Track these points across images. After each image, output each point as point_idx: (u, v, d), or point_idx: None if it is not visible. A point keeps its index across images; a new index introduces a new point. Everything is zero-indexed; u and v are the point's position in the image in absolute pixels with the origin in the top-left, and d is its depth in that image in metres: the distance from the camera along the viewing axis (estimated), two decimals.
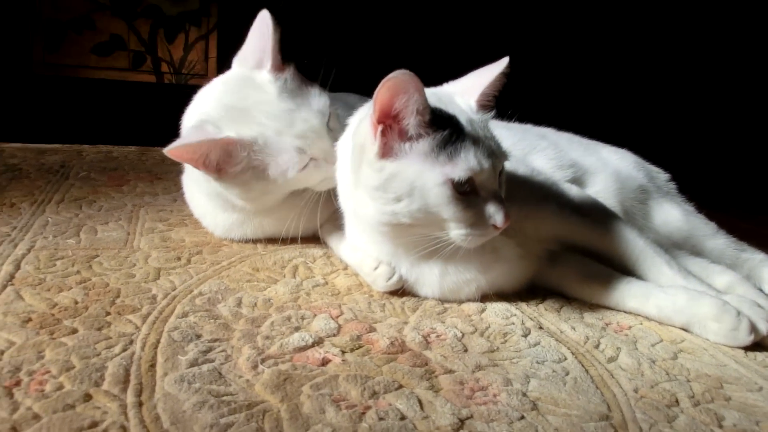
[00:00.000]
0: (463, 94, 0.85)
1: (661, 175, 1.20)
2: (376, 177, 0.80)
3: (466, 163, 0.77)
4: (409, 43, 2.44)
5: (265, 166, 0.98)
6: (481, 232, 0.80)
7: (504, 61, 0.84)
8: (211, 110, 1.00)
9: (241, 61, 1.05)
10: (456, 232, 0.80)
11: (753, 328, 0.81)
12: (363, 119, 0.83)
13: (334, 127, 1.00)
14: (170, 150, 0.93)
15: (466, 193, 0.78)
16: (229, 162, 0.97)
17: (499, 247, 0.90)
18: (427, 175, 0.77)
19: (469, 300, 0.92)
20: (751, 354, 0.81)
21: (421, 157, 0.77)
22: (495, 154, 0.80)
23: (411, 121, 0.76)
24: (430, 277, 0.90)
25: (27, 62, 2.25)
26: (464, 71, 0.90)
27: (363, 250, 0.95)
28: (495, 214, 0.79)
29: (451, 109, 0.80)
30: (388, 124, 0.78)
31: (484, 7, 2.56)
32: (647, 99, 2.58)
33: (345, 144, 0.90)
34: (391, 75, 0.73)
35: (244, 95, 1.00)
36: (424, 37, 2.50)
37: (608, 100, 2.56)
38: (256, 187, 1.00)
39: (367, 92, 0.85)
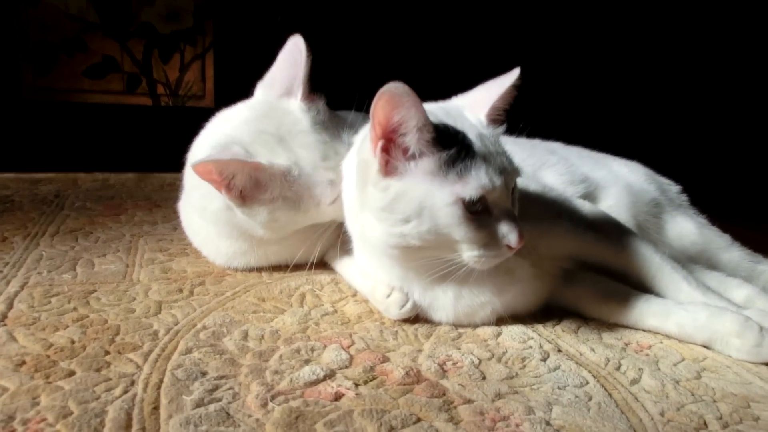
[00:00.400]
0: (473, 108, 0.83)
1: (673, 187, 1.18)
2: (381, 197, 0.77)
3: (477, 181, 0.74)
4: (415, 55, 2.42)
5: (299, 198, 0.95)
6: (494, 252, 0.77)
7: (515, 73, 0.82)
8: (238, 133, 0.97)
9: (266, 87, 1.03)
10: (468, 254, 0.77)
11: None
12: (366, 136, 0.81)
13: None
14: (197, 164, 0.89)
15: (478, 212, 0.75)
16: (257, 189, 0.94)
17: (514, 268, 0.88)
18: (436, 194, 0.74)
19: (483, 324, 0.89)
20: None
21: (428, 175, 0.75)
22: (507, 170, 0.78)
23: (412, 139, 0.74)
24: (444, 301, 0.87)
25: (17, 87, 2.19)
26: (473, 83, 0.88)
27: (374, 276, 0.91)
28: (509, 233, 0.76)
29: (459, 124, 0.78)
30: (390, 139, 0.75)
31: (493, 22, 2.56)
32: (649, 109, 2.59)
33: (350, 163, 0.88)
34: (384, 88, 0.70)
35: (276, 123, 0.97)
36: (431, 49, 2.48)
37: (610, 111, 2.56)
38: (284, 217, 0.97)
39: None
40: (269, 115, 0.98)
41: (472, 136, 0.77)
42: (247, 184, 0.93)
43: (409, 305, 0.87)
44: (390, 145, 0.75)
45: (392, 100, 0.71)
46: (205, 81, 2.42)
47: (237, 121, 0.99)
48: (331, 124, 0.99)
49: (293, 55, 0.99)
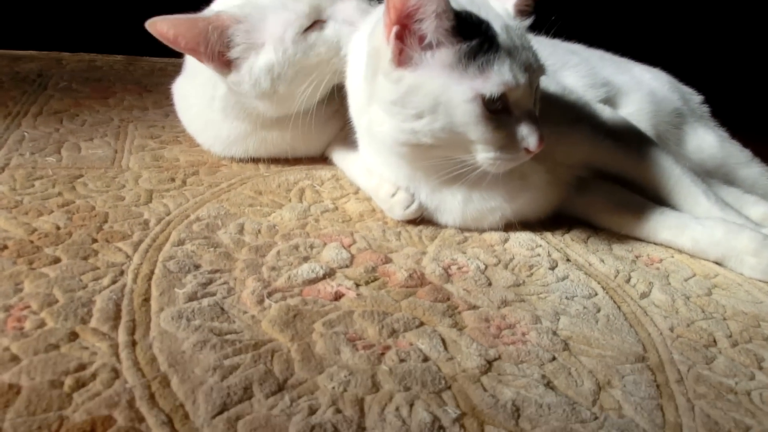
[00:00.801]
0: None
1: (695, 97, 1.12)
2: (393, 89, 0.70)
3: (499, 77, 0.66)
4: None
5: (263, 40, 0.87)
6: (511, 156, 0.71)
7: None
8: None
9: None
10: (483, 155, 0.71)
11: None
12: (379, 20, 0.71)
13: None
14: (153, 22, 0.82)
15: (498, 111, 0.69)
16: (230, 48, 0.87)
17: (528, 174, 0.82)
18: (453, 89, 0.67)
19: (491, 229, 0.85)
20: None
21: (446, 68, 0.67)
22: (532, 67, 0.70)
23: (429, 26, 0.66)
24: (452, 205, 0.82)
25: None
26: None
27: (379, 173, 0.86)
28: (528, 136, 0.70)
29: (484, 13, 0.69)
30: (405, 26, 0.67)
31: None
32: (672, 13, 2.38)
33: (358, 49, 0.79)
34: None
35: None
36: None
37: (633, 13, 2.36)
38: (263, 74, 0.88)
39: None
40: None
41: (497, 27, 0.68)
42: (222, 43, 0.86)
43: (414, 206, 0.83)
44: (405, 33, 0.67)
45: None
46: None
47: None
48: None
49: None
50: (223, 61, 0.88)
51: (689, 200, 0.86)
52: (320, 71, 0.88)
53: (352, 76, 0.80)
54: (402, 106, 0.70)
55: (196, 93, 1.02)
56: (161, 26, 0.83)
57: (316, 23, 0.87)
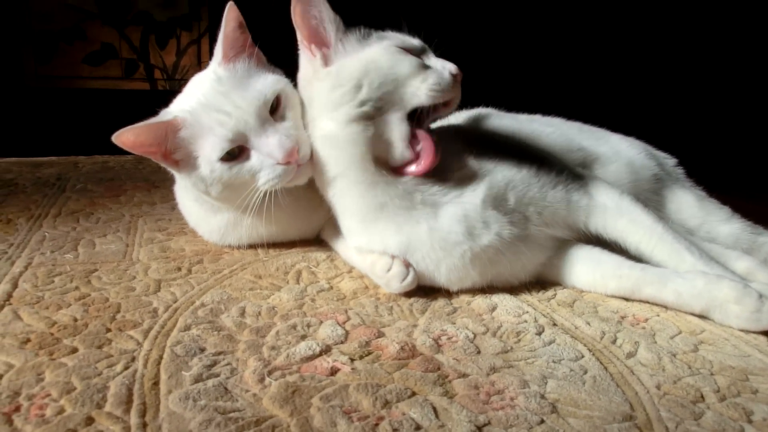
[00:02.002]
0: None
1: (669, 161, 1.16)
2: (328, 82, 0.86)
3: (395, 38, 0.89)
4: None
5: (198, 153, 0.91)
6: (444, 81, 0.84)
7: None
8: (174, 106, 0.98)
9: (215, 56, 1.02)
10: (422, 85, 0.83)
11: None
12: (301, 65, 0.93)
13: (289, 121, 0.92)
14: (117, 135, 0.87)
15: (408, 51, 0.87)
16: (177, 147, 0.92)
17: (498, 247, 0.88)
18: (371, 50, 0.86)
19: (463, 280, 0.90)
20: None
21: (356, 46, 0.87)
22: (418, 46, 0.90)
23: (330, 28, 0.87)
24: (421, 238, 0.88)
25: (19, 75, 2.22)
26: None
27: (369, 251, 0.92)
28: (445, 63, 0.87)
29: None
30: (315, 42, 0.87)
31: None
32: (641, 79, 2.53)
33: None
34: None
35: (193, 84, 0.97)
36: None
37: (601, 83, 2.51)
38: (198, 180, 0.94)
39: None
40: (195, 83, 0.98)
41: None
42: (172, 147, 0.92)
43: (410, 278, 0.87)
44: (321, 45, 0.88)
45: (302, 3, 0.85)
46: (200, 65, 2.44)
47: (180, 95, 1.00)
48: (246, 78, 0.93)
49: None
50: (173, 159, 0.94)
51: (673, 257, 0.86)
52: (251, 188, 0.92)
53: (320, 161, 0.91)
54: (340, 86, 0.84)
55: (186, 190, 1.08)
56: (126, 137, 0.88)
57: (243, 149, 0.90)
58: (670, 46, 2.52)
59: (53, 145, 1.98)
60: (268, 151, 0.89)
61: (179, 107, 0.94)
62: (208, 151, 0.90)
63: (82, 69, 2.31)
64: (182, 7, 2.40)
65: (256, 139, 0.90)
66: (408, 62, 0.84)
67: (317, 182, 0.94)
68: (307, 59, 0.90)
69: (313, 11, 0.86)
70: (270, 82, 0.94)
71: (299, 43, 0.90)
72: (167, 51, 2.42)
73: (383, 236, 0.89)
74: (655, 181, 1.07)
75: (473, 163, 0.90)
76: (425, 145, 0.85)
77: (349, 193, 0.89)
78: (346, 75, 0.85)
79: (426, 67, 0.85)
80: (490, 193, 0.87)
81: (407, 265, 0.88)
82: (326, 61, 0.88)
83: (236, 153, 0.90)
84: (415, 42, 0.90)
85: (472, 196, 0.87)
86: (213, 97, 0.91)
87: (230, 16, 0.95)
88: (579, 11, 2.54)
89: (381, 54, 0.85)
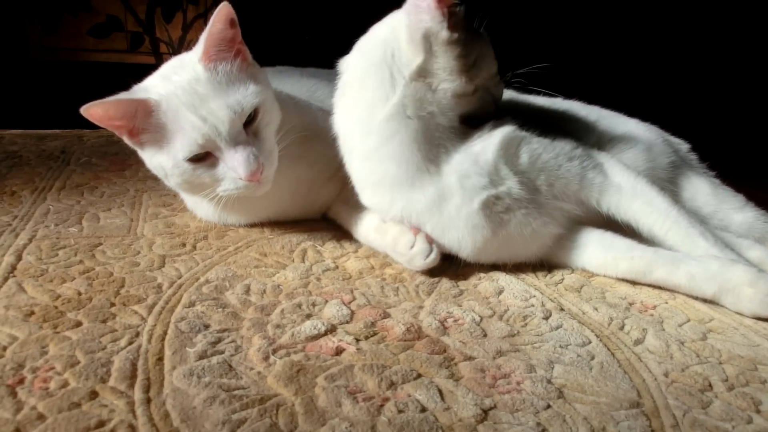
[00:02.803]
0: None
1: (683, 146, 1.15)
2: (457, 48, 0.83)
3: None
4: None
5: (165, 142, 0.89)
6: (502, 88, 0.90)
7: None
8: (146, 82, 0.95)
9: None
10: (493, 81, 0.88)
11: None
12: (394, 27, 0.87)
13: (262, 136, 0.92)
14: (87, 107, 0.85)
15: None
16: (144, 129, 0.90)
17: (508, 221, 0.88)
18: (480, 42, 0.87)
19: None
20: None
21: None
22: None
23: None
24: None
25: (23, 46, 2.20)
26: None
27: (392, 225, 0.92)
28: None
29: None
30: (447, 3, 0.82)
31: None
32: (651, 63, 2.49)
33: (347, 103, 0.91)
34: None
35: (174, 68, 0.94)
36: None
37: (611, 65, 2.47)
38: (157, 167, 0.93)
39: None
40: (175, 67, 0.94)
41: None
42: (140, 126, 0.90)
43: (434, 254, 0.87)
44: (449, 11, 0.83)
45: None
46: None
47: (156, 72, 0.98)
48: (227, 85, 0.90)
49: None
50: (138, 139, 0.92)
51: (687, 242, 0.85)
52: (210, 189, 0.92)
53: (345, 129, 0.90)
54: (466, 57, 0.83)
55: None
56: (95, 110, 0.87)
57: (209, 155, 0.90)
58: (683, 34, 2.46)
59: (58, 118, 1.97)
60: (233, 166, 0.89)
61: (155, 89, 0.91)
62: (176, 147, 0.89)
63: (86, 41, 2.27)
64: None
65: (225, 150, 0.89)
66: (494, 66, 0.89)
67: (380, 134, 0.88)
68: (428, 17, 0.83)
69: None
70: (250, 93, 0.90)
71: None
72: (173, 25, 2.38)
73: (413, 193, 0.87)
74: (671, 168, 1.06)
75: (496, 122, 0.89)
76: None
77: (408, 149, 0.86)
78: (472, 51, 0.84)
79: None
80: (504, 139, 0.86)
81: (430, 241, 0.88)
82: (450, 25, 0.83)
83: (202, 156, 0.90)
84: None
85: (489, 138, 0.86)
86: (190, 95, 0.88)
87: (220, 15, 0.90)
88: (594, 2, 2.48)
89: (489, 51, 0.89)
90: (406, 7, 0.86)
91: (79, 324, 0.69)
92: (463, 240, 0.88)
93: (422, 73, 0.85)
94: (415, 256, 0.87)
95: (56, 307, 0.73)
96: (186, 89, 0.89)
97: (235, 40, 0.94)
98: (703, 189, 1.05)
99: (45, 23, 2.21)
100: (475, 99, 0.88)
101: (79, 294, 0.77)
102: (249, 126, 0.91)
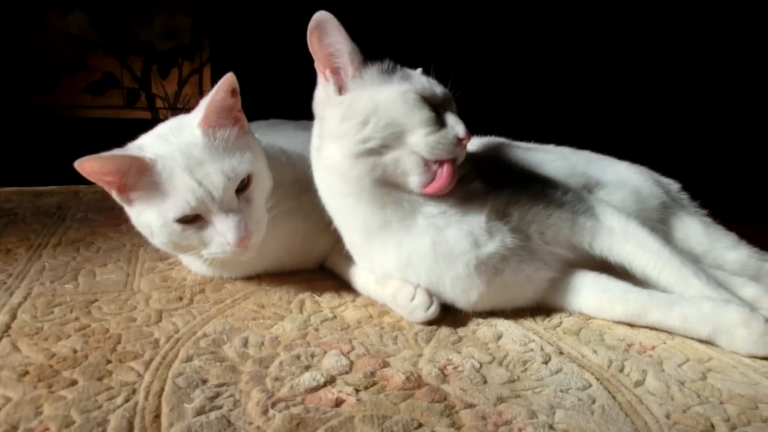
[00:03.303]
0: None
1: (674, 186, 1.16)
2: (339, 111, 0.85)
3: (419, 82, 0.86)
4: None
5: (155, 202, 0.90)
6: (446, 142, 0.82)
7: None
8: (142, 140, 0.97)
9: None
10: (424, 140, 0.82)
11: None
12: (318, 97, 0.92)
13: (253, 203, 0.94)
14: (81, 161, 0.86)
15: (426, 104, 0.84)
16: (135, 186, 0.91)
17: (503, 268, 0.88)
18: (388, 91, 0.84)
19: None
20: None
21: (376, 79, 0.86)
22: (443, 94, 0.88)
23: (347, 59, 0.86)
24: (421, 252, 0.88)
25: (21, 105, 2.24)
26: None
27: (390, 282, 0.93)
28: (456, 125, 0.83)
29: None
30: (330, 68, 0.87)
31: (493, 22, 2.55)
32: (643, 105, 2.57)
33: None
34: (311, 22, 0.84)
35: (172, 129, 0.96)
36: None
37: (602, 108, 2.55)
38: (143, 226, 0.94)
39: None
40: (175, 124, 0.97)
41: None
42: (131, 184, 0.91)
43: (434, 307, 0.88)
44: (335, 71, 0.88)
45: (320, 28, 0.84)
46: (202, 94, 2.44)
47: (152, 131, 0.99)
48: (222, 150, 0.92)
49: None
50: (127, 196, 0.93)
51: (680, 282, 0.86)
52: (196, 250, 0.93)
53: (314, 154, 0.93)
54: (349, 119, 0.84)
55: None
56: (90, 164, 0.87)
57: (199, 217, 0.91)
58: (671, 73, 2.56)
59: (54, 175, 1.99)
60: (222, 230, 0.90)
61: (150, 147, 0.92)
62: (167, 207, 0.90)
63: (83, 98, 2.33)
64: (184, 37, 2.43)
65: (216, 214, 0.90)
66: (420, 115, 0.82)
67: (323, 201, 0.94)
68: (322, 83, 0.90)
69: (329, 39, 0.85)
70: (245, 160, 0.92)
71: (315, 65, 0.89)
72: (169, 80, 2.45)
73: (385, 252, 0.89)
74: (662, 209, 1.07)
75: (479, 183, 0.91)
76: (446, 167, 0.83)
77: (353, 213, 0.89)
78: (356, 109, 0.84)
79: (437, 122, 0.83)
80: (494, 207, 0.88)
81: (430, 294, 0.89)
82: (341, 88, 0.87)
83: (191, 218, 0.91)
84: (438, 91, 0.87)
85: (478, 213, 0.87)
86: (187, 158, 0.90)
87: (224, 85, 0.92)
88: (585, 43, 2.59)
89: (396, 99, 0.83)
90: None
91: (74, 382, 0.68)
92: (457, 298, 0.90)
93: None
94: (415, 308, 0.88)
95: (51, 366, 0.72)
96: (183, 151, 0.91)
97: (234, 108, 0.97)
98: (695, 228, 1.06)
99: (42, 82, 2.27)
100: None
101: (75, 352, 0.76)
102: (241, 192, 0.93)
